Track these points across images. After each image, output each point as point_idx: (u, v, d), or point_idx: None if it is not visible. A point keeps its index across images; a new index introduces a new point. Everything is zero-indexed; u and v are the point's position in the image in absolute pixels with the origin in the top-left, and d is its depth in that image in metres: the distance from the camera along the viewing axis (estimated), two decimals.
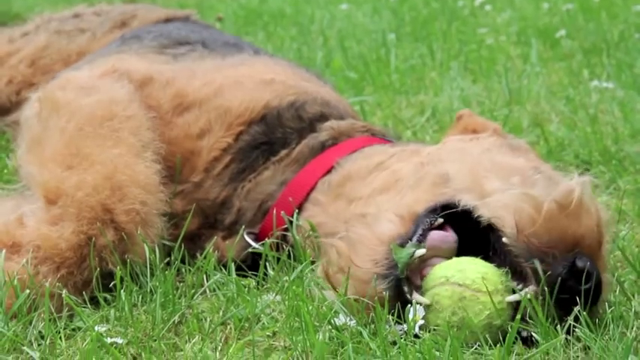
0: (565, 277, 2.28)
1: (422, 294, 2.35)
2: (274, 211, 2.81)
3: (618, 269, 2.78)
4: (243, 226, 2.83)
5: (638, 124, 4.25)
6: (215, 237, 2.87)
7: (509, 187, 2.45)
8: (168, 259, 2.69)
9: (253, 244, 2.79)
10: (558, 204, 2.36)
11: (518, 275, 2.34)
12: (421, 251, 2.39)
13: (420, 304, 2.32)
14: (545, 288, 2.27)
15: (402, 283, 2.36)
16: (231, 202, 2.89)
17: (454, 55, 5.99)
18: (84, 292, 2.52)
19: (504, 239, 2.34)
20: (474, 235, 2.44)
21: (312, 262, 2.67)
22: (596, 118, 4.36)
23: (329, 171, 2.83)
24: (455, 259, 2.39)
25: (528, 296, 2.28)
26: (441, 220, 2.45)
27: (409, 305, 2.33)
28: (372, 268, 2.40)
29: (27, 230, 2.52)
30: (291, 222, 2.74)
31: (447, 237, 2.44)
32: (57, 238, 2.50)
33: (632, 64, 5.50)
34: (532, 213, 2.35)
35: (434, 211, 2.46)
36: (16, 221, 2.57)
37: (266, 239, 2.77)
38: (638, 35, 6.34)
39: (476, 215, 2.40)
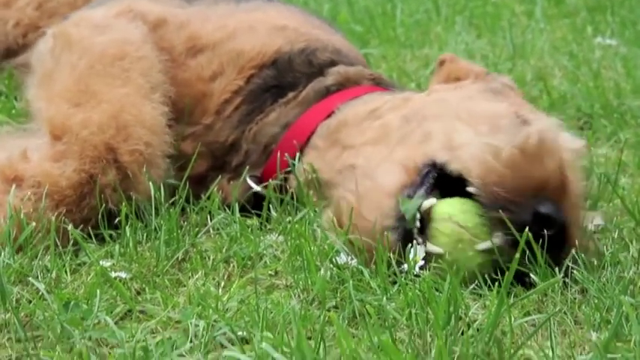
0: (529, 224, 2.25)
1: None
2: (278, 155, 2.80)
3: (617, 217, 2.77)
4: (247, 168, 2.81)
5: (639, 80, 4.24)
6: (220, 177, 2.86)
7: (479, 137, 2.43)
8: (173, 198, 2.68)
9: (254, 186, 2.78)
10: (519, 149, 2.33)
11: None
12: (430, 201, 2.37)
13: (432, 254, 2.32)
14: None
15: (413, 234, 2.35)
16: (239, 144, 2.88)
17: (459, 10, 5.96)
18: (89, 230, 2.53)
19: (472, 189, 2.33)
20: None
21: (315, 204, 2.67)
22: (599, 74, 4.34)
23: (329, 115, 2.82)
24: (460, 199, 2.37)
25: (497, 243, 2.28)
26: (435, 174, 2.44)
27: (409, 245, 2.33)
28: (381, 221, 2.39)
29: (30, 165, 2.52)
30: (294, 164, 2.73)
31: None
32: (58, 176, 2.49)
33: (635, 22, 5.48)
34: (493, 162, 2.33)
35: (432, 165, 2.44)
36: (21, 155, 2.56)
37: (270, 181, 2.76)
38: None
39: (449, 171, 2.39)
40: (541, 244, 2.26)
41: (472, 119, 2.52)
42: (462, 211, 2.34)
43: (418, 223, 2.36)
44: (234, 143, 2.89)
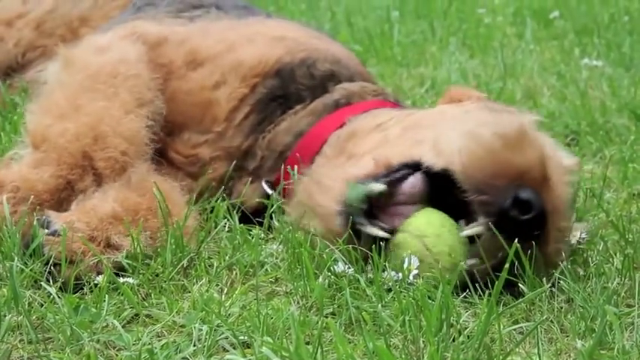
0: (507, 208, 2.24)
1: (393, 231, 2.36)
2: (282, 167, 2.80)
3: (602, 230, 2.77)
4: (264, 180, 2.83)
5: (624, 99, 4.25)
6: (240, 179, 2.87)
7: (461, 134, 2.41)
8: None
9: (269, 191, 2.77)
10: (500, 136, 2.32)
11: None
12: (378, 186, 2.37)
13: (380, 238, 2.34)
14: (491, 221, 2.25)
15: (356, 216, 2.35)
16: (255, 151, 2.88)
17: (453, 31, 5.97)
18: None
19: (455, 178, 2.31)
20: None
21: None
22: (586, 93, 4.35)
23: (341, 126, 2.81)
24: (439, 217, 2.37)
25: (475, 231, 2.28)
26: (406, 172, 2.42)
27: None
28: (331, 205, 2.41)
29: (10, 171, 2.54)
30: (294, 175, 2.73)
31: (415, 185, 2.42)
32: (35, 180, 2.50)
33: (620, 44, 5.48)
34: (475, 147, 2.32)
35: (407, 166, 2.43)
36: (4, 162, 2.61)
37: (272, 192, 2.76)
38: (627, 18, 6.32)
39: (431, 169, 2.37)
40: (520, 230, 2.24)
41: (461, 124, 2.50)
42: (436, 235, 2.33)
43: (362, 206, 2.36)
44: (249, 150, 2.89)
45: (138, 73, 2.80)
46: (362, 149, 2.61)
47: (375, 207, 2.40)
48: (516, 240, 2.21)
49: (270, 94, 2.91)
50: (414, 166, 2.41)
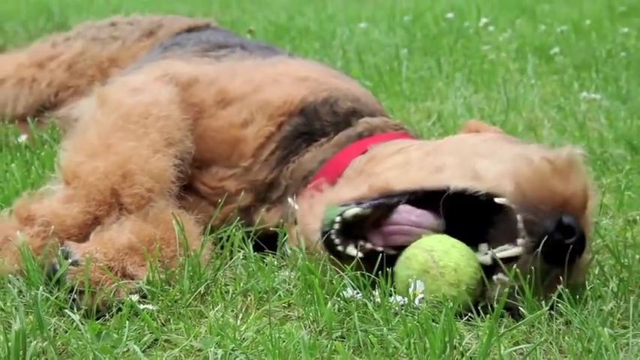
0: (552, 231, 2.25)
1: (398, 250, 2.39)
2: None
3: (599, 254, 2.76)
4: (292, 199, 2.82)
5: (621, 130, 4.23)
6: (262, 209, 2.88)
7: (500, 162, 2.41)
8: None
9: (295, 206, 2.76)
10: (550, 162, 2.33)
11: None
12: (351, 211, 2.40)
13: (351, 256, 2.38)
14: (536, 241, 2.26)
15: (331, 236, 2.40)
16: (279, 181, 2.89)
17: (459, 67, 5.97)
18: None
19: (502, 200, 2.31)
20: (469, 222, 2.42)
21: None
22: (584, 125, 4.34)
23: (362, 153, 2.81)
24: (453, 241, 2.37)
25: (513, 252, 2.28)
26: (403, 199, 2.44)
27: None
28: (313, 223, 2.44)
29: (42, 206, 2.55)
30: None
31: (423, 215, 2.42)
32: (64, 215, 2.51)
33: (617, 78, 5.48)
34: (526, 170, 2.32)
35: (403, 194, 2.44)
36: (37, 197, 2.61)
37: (283, 221, 2.77)
38: (624, 53, 6.31)
39: (471, 192, 2.36)
40: (562, 252, 2.26)
41: (489, 153, 2.51)
42: (444, 251, 2.33)
43: (336, 226, 2.39)
44: (274, 181, 2.89)
45: (169, 114, 2.81)
46: (379, 169, 2.61)
47: (360, 227, 2.42)
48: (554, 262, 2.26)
49: (295, 132, 2.92)
50: (435, 193, 2.41)
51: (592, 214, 2.42)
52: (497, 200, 2.32)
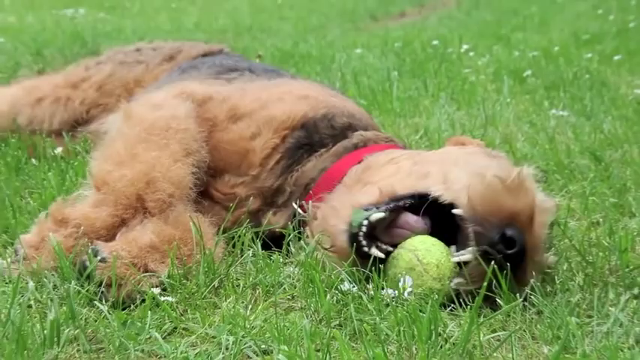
0: (496, 242, 2.24)
1: (396, 245, 2.37)
2: (302, 203, 2.79)
3: (567, 252, 2.74)
4: (296, 203, 2.81)
5: (585, 143, 4.23)
6: (270, 212, 2.86)
7: (469, 174, 2.41)
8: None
9: (300, 211, 2.75)
10: (500, 179, 2.32)
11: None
12: (377, 215, 2.37)
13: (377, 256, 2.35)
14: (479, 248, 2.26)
15: (359, 237, 2.37)
16: (284, 188, 2.87)
17: (443, 88, 5.95)
18: None
19: (458, 211, 2.31)
20: (449, 223, 2.41)
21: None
22: (554, 138, 4.32)
23: (358, 162, 2.80)
24: (432, 240, 2.36)
25: (465, 258, 2.27)
26: (408, 202, 2.43)
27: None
28: (339, 225, 2.41)
29: (74, 209, 2.53)
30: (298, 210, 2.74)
31: (418, 221, 2.41)
32: (94, 218, 2.50)
33: (582, 97, 5.47)
34: (479, 186, 2.31)
35: (412, 197, 2.43)
36: (71, 202, 2.60)
37: (289, 223, 2.76)
38: (588, 76, 6.30)
39: (441, 200, 2.36)
40: (504, 260, 2.24)
41: (466, 164, 2.51)
42: (426, 249, 2.32)
43: (364, 229, 2.36)
44: (279, 188, 2.87)
45: (186, 128, 2.80)
46: (376, 178, 2.61)
47: (378, 229, 2.40)
48: (496, 266, 2.23)
49: (297, 143, 2.91)
50: (422, 196, 2.41)
51: (541, 227, 2.38)
52: (453, 211, 2.32)
